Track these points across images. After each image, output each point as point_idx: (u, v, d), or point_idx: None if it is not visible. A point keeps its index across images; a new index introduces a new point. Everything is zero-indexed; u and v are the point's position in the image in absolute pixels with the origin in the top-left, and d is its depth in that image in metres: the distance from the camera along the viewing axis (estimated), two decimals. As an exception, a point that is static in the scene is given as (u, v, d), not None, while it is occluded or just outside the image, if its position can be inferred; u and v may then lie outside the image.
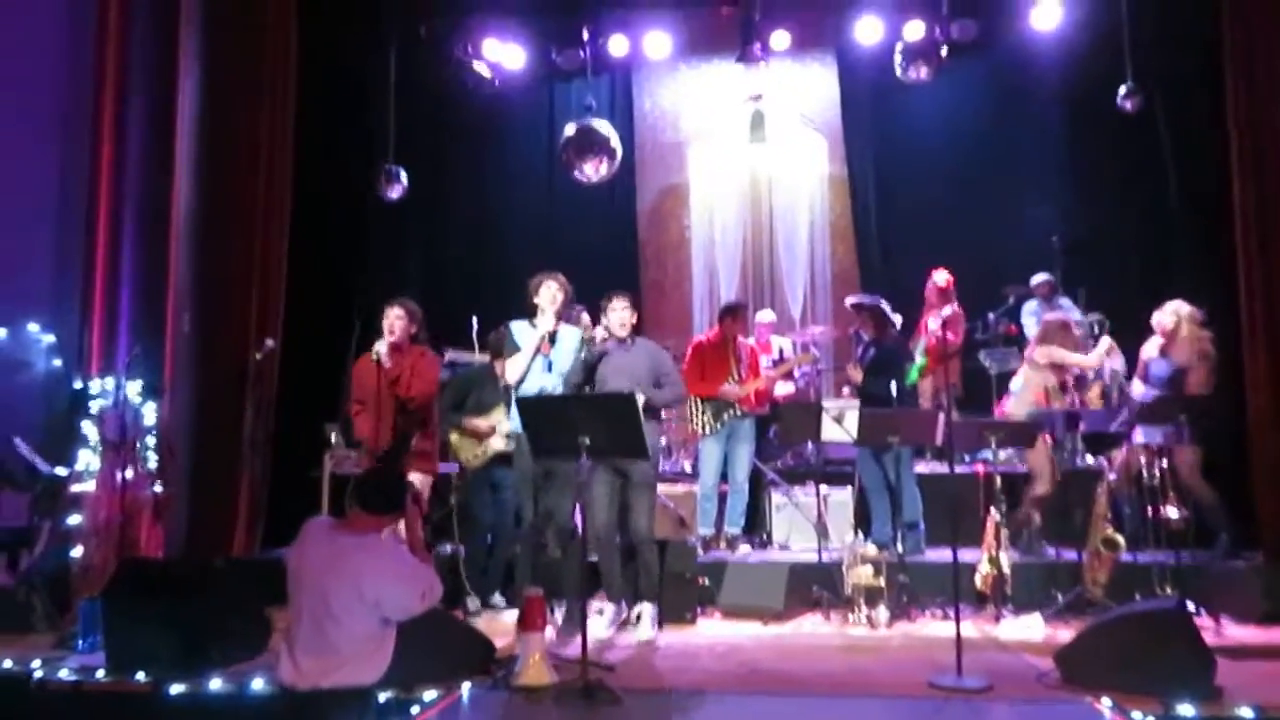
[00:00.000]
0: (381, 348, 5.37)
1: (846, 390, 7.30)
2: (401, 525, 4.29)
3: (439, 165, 9.05)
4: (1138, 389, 6.28)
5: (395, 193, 8.15)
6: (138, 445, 6.02)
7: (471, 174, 9.27)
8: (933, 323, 7.50)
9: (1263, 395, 6.17)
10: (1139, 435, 6.01)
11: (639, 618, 5.38)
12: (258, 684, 4.16)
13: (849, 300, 7.30)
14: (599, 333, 5.65)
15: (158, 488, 6.16)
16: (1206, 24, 6.80)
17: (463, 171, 9.24)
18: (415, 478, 5.30)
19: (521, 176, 9.37)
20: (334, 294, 7.95)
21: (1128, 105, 7.50)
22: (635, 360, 5.50)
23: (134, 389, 6.05)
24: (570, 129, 8.21)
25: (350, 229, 8.32)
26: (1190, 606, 4.96)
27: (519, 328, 5.59)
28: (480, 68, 8.38)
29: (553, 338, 5.50)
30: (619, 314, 5.52)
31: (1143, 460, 5.83)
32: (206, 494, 6.72)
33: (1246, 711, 3.75)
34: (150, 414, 6.15)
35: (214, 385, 6.84)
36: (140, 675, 4.37)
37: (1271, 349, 6.17)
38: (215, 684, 4.24)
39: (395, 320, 5.49)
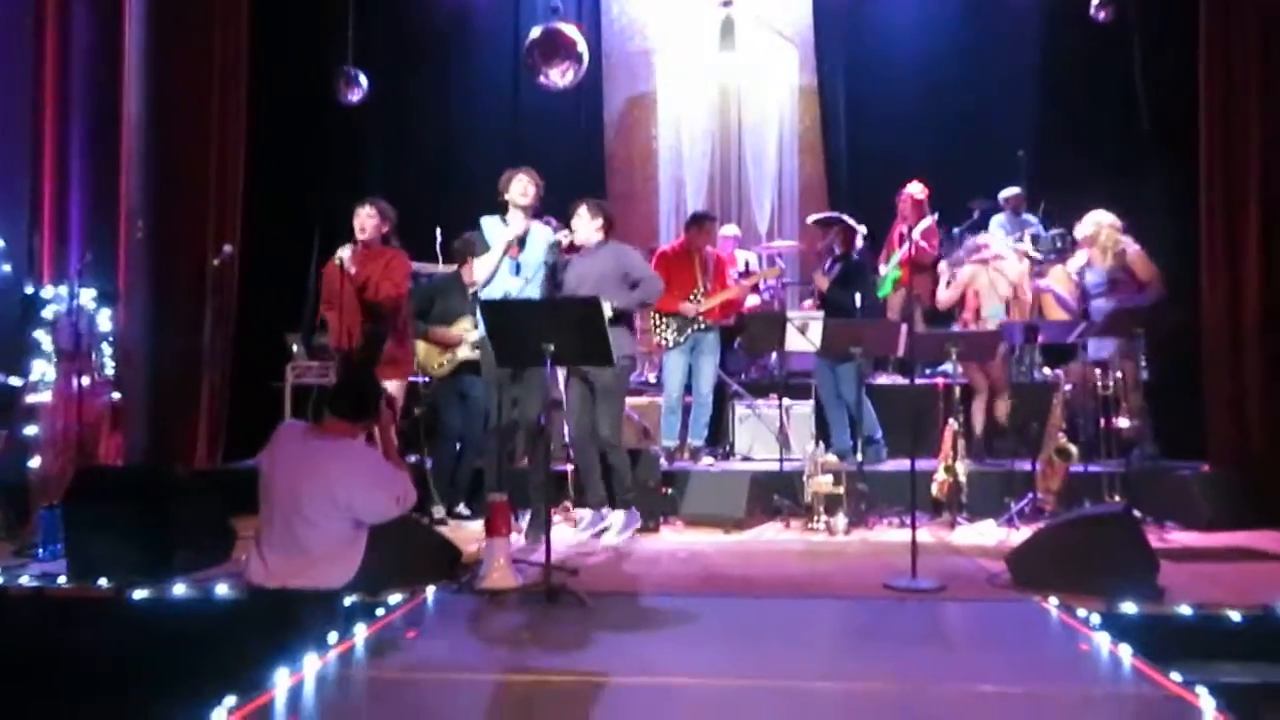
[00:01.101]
0: (345, 252, 5.29)
1: (808, 303, 7.33)
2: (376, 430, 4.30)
3: (400, 69, 8.82)
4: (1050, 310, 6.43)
5: (355, 96, 7.93)
6: (93, 353, 5.93)
7: (434, 78, 9.06)
8: (915, 233, 7.51)
9: (1218, 312, 6.27)
10: (1091, 348, 6.11)
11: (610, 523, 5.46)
12: (222, 588, 4.20)
13: (813, 218, 7.29)
14: (562, 236, 5.56)
15: (115, 396, 6.10)
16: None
17: (425, 75, 9.03)
18: (389, 384, 5.28)
19: (486, 82, 9.17)
20: (294, 200, 7.80)
21: (1100, 16, 7.42)
22: (601, 264, 5.42)
23: (87, 296, 5.94)
24: (536, 32, 8.01)
25: (310, 134, 8.11)
26: (1137, 513, 5.11)
27: (490, 223, 5.44)
28: (441, -32, 8.12)
29: (522, 241, 5.40)
30: (580, 224, 5.46)
31: (1097, 372, 5.94)
32: (166, 403, 6.67)
33: (1185, 609, 3.90)
34: (105, 321, 6.06)
35: (171, 292, 6.74)
36: (102, 581, 4.39)
37: (1229, 267, 6.26)
38: (179, 589, 4.27)
39: (367, 219, 5.40)
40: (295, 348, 7.03)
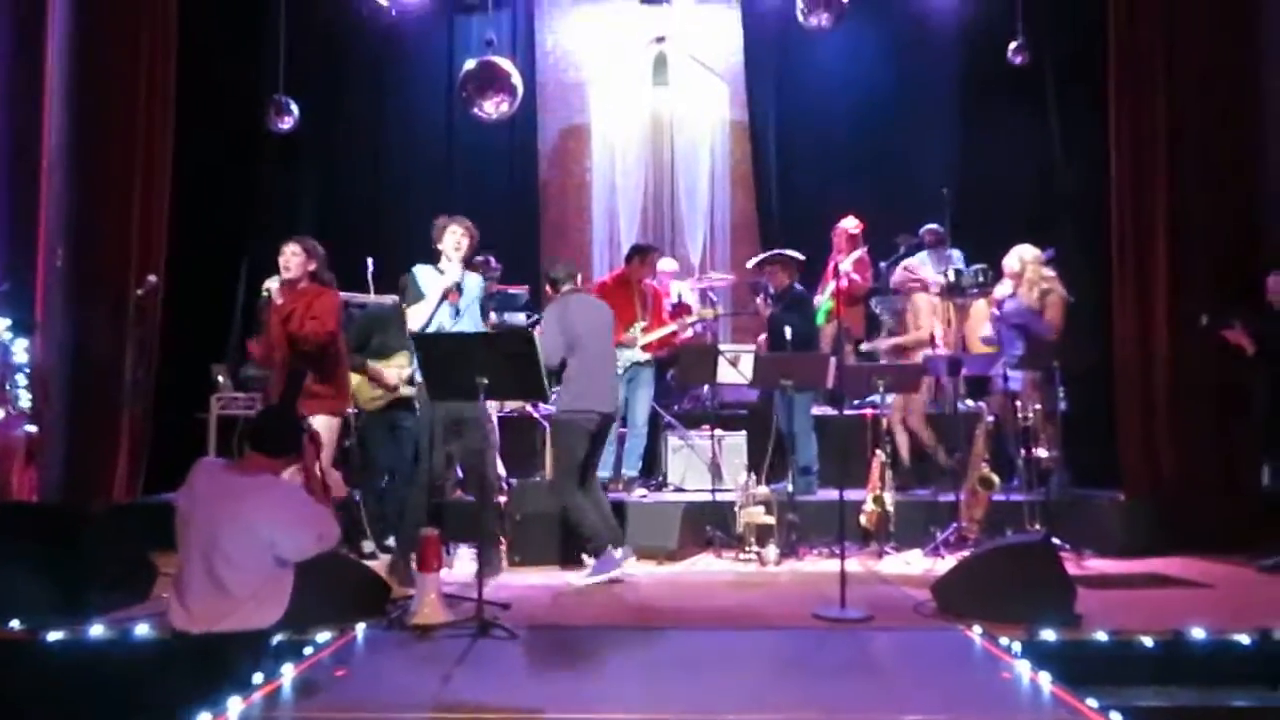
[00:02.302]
0: (273, 284, 5.21)
1: (762, 338, 7.35)
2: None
3: (333, 98, 8.78)
4: (984, 332, 6.63)
5: (286, 124, 7.86)
6: (7, 385, 5.75)
7: (367, 108, 9.03)
8: (845, 265, 7.67)
9: (1129, 343, 6.55)
10: (1010, 380, 6.31)
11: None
12: (142, 629, 4.09)
13: (751, 262, 7.39)
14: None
15: (30, 429, 5.92)
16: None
17: (358, 105, 8.99)
18: (317, 419, 5.20)
19: (419, 112, 9.17)
20: (222, 230, 7.69)
21: (1017, 60, 7.72)
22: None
23: (2, 326, 5.76)
24: (470, 64, 8.03)
25: (239, 162, 8.03)
26: (1056, 541, 5.28)
27: (422, 272, 5.41)
28: (376, -2, 8.12)
29: (460, 287, 5.37)
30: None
31: (1017, 404, 6.14)
32: (85, 436, 6.48)
33: (1101, 636, 4.04)
34: (21, 352, 5.88)
35: (92, 322, 6.57)
36: (14, 623, 4.24)
37: (1138, 297, 6.54)
38: (97, 630, 4.15)
39: (291, 257, 5.28)
40: (221, 379, 6.89)
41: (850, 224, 7.96)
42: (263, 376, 5.50)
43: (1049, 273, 6.41)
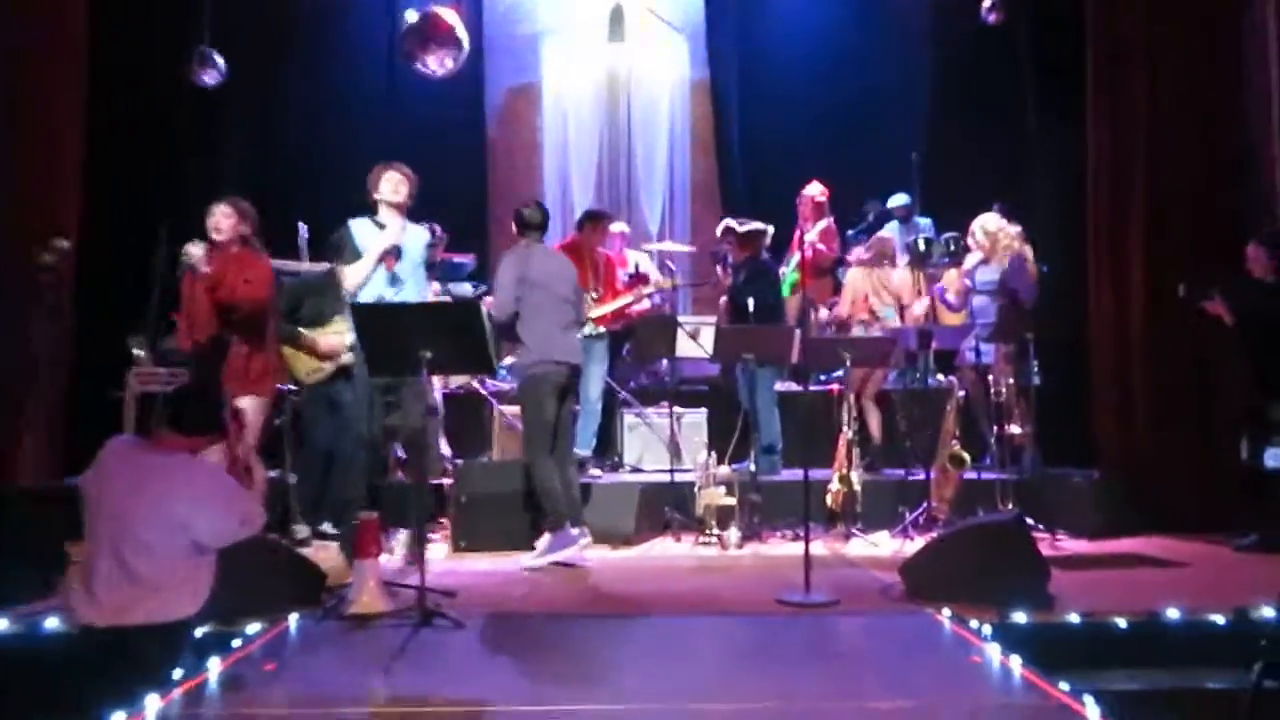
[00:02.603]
0: (194, 249, 5.06)
1: (723, 302, 7.31)
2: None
3: (262, 50, 8.53)
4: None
5: (211, 79, 7.64)
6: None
7: (300, 62, 8.80)
8: (810, 234, 7.66)
9: (1104, 317, 6.62)
10: (982, 353, 6.35)
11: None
12: (52, 622, 3.98)
13: (722, 227, 7.35)
14: None
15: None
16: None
17: (290, 58, 8.76)
18: (245, 400, 5.09)
19: (357, 67, 8.97)
20: (140, 190, 7.46)
21: (990, 19, 7.73)
22: None
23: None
24: (412, 15, 7.87)
25: (159, 120, 7.78)
26: (1029, 521, 5.32)
27: (359, 226, 5.26)
28: (309, -60, 7.90)
29: (398, 252, 5.25)
30: None
31: (989, 378, 6.18)
32: (-7, 411, 6.30)
33: (1074, 618, 4.08)
34: (-81, 324, 5.68)
35: (-1, 291, 6.36)
36: (-86, 616, 4.11)
37: (1115, 272, 6.61)
38: (1, 624, 4.02)
39: (223, 218, 5.13)
40: (139, 353, 6.71)
41: (815, 190, 7.96)
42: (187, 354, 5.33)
43: (1016, 234, 6.47)
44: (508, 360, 7.23)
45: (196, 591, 3.49)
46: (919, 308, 6.95)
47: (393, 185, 5.22)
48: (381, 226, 5.23)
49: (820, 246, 7.66)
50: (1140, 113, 6.58)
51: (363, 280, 5.17)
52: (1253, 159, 6.37)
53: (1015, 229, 6.53)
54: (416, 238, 5.35)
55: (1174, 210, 6.45)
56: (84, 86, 6.80)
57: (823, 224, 7.85)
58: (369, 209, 5.33)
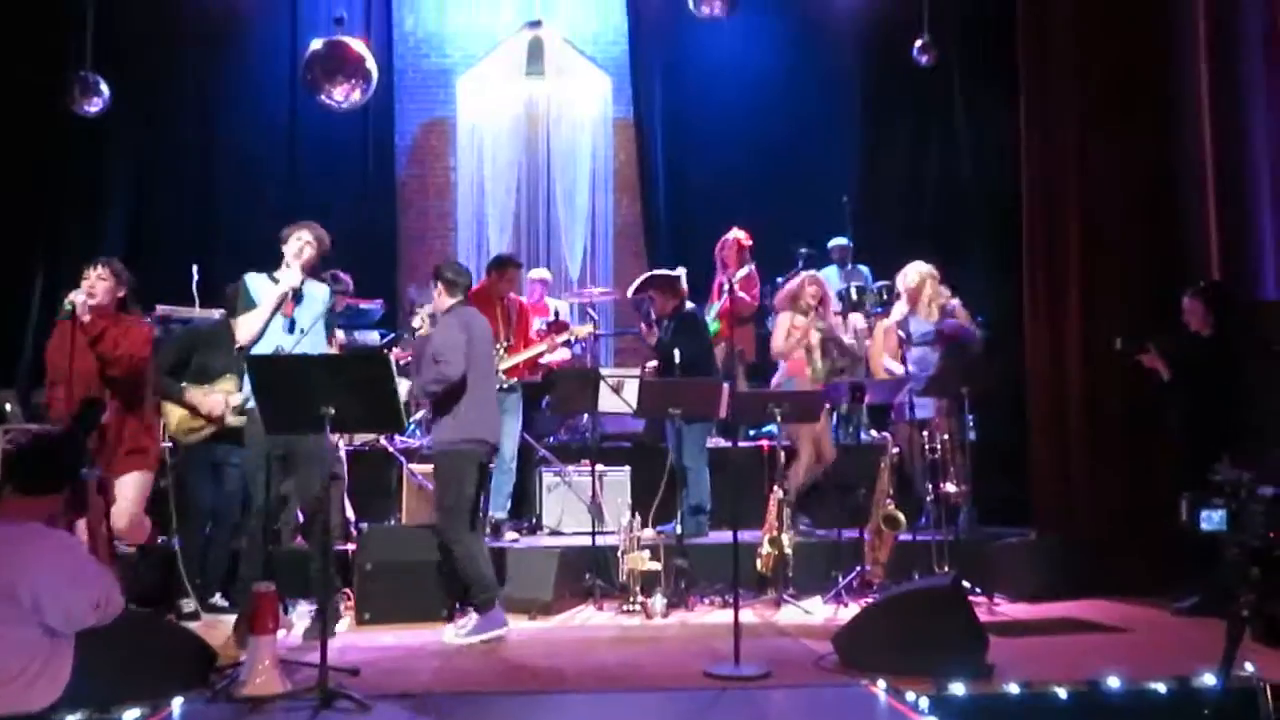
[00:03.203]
0: (77, 297, 4.97)
1: (650, 366, 7.36)
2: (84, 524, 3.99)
3: (152, 78, 8.48)
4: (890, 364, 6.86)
5: (94, 107, 7.53)
6: None
7: (194, 91, 8.75)
8: (728, 283, 7.76)
9: (1041, 371, 6.84)
10: (917, 408, 6.51)
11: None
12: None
13: (630, 290, 7.43)
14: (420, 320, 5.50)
15: None
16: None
17: (182, 87, 8.70)
18: (128, 478, 4.98)
19: (257, 98, 8.94)
20: (13, 233, 7.30)
21: (923, 60, 8.02)
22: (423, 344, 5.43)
23: None
24: (317, 44, 7.88)
25: (35, 149, 7.65)
26: (966, 584, 5.45)
27: (255, 280, 5.25)
28: (205, -39, 7.88)
29: (298, 295, 5.23)
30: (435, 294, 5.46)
31: (924, 434, 6.34)
32: None
33: (1013, 688, 4.18)
34: None
35: None
36: None
37: (1051, 322, 6.84)
38: None
39: (98, 281, 5.06)
40: (9, 407, 6.52)
41: (740, 235, 8.08)
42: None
43: (945, 289, 6.69)
44: (417, 415, 7.20)
45: (54, 679, 3.32)
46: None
47: (300, 245, 5.22)
48: (277, 282, 5.21)
49: (741, 294, 7.73)
50: (1072, 157, 6.85)
51: (258, 331, 5.11)
52: (1185, 189, 6.64)
53: (943, 287, 6.75)
54: (317, 294, 5.32)
55: (1111, 254, 6.69)
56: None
57: (743, 271, 7.95)
58: (273, 257, 5.29)
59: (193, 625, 5.24)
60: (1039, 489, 6.80)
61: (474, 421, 5.36)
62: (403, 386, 5.32)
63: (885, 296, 7.86)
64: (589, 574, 6.14)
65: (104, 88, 7.54)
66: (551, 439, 7.71)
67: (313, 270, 5.37)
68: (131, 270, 5.41)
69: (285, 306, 5.16)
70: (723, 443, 7.27)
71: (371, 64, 7.88)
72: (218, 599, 5.79)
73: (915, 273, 6.78)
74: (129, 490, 5.08)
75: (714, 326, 7.97)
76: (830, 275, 8.31)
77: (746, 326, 8.01)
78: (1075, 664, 4.53)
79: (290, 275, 5.18)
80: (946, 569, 5.99)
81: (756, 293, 8.11)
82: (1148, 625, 5.52)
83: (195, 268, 6.68)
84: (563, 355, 7.72)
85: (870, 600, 5.43)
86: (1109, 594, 6.07)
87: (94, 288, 5.04)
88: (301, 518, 5.88)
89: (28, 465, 3.49)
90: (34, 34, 7.58)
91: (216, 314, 6.09)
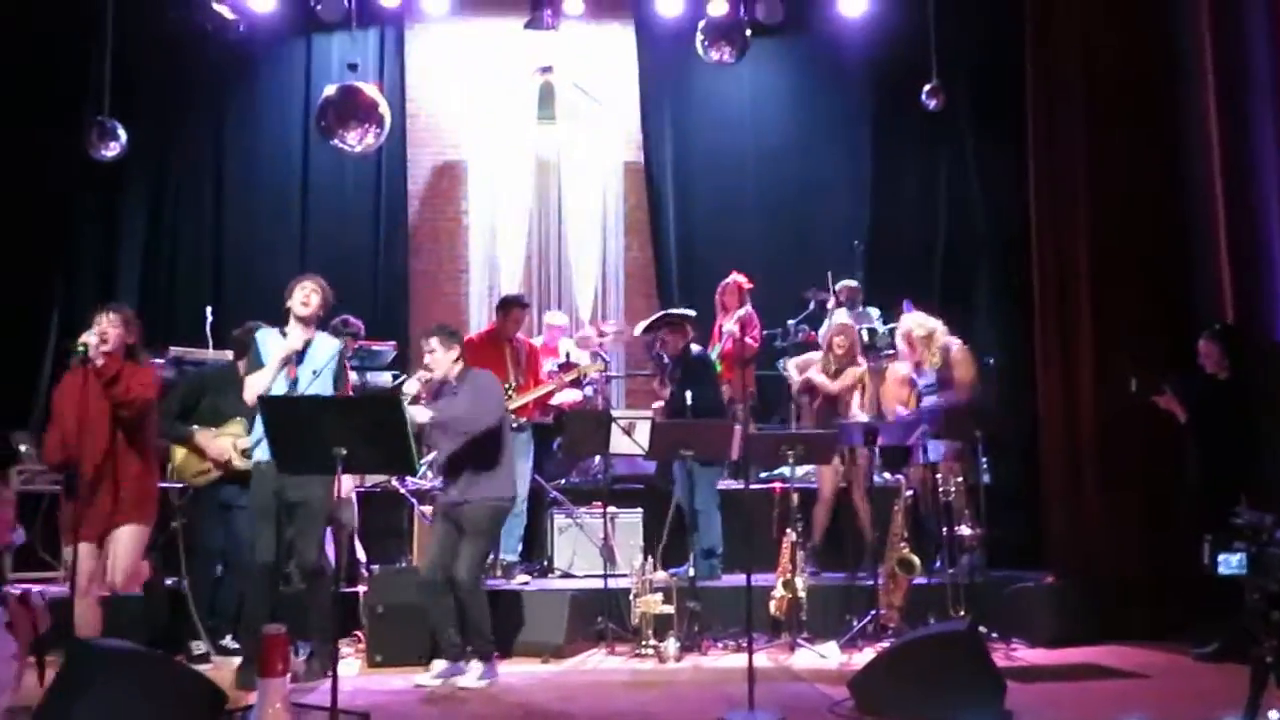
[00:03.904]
0: (90, 339, 4.98)
1: (656, 405, 7.33)
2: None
3: (168, 123, 8.58)
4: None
5: (111, 152, 7.60)
6: None
7: (209, 136, 8.84)
8: (728, 325, 7.77)
9: (1054, 413, 6.79)
10: (930, 450, 6.47)
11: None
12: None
13: (639, 329, 7.44)
14: (416, 382, 5.46)
15: None
16: (1009, 22, 7.41)
17: (198, 133, 8.79)
18: (123, 530, 4.95)
19: (271, 142, 9.03)
20: (31, 275, 7.35)
21: (931, 104, 8.06)
22: (457, 402, 5.39)
23: None
24: (331, 90, 7.97)
25: (53, 195, 7.71)
26: (982, 629, 5.38)
27: (265, 337, 5.28)
28: (221, 9, 7.98)
29: (301, 356, 5.24)
30: (438, 359, 5.41)
31: (937, 476, 6.28)
32: None
33: (1033, 735, 4.12)
34: None
35: None
36: None
37: (1064, 364, 6.80)
38: None
39: (110, 328, 5.07)
40: (24, 448, 6.55)
41: (740, 279, 8.07)
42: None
43: (941, 328, 6.65)
44: (428, 457, 7.17)
45: None
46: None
47: (303, 295, 5.26)
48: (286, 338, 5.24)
49: (748, 340, 7.68)
50: (1082, 198, 6.84)
51: (264, 390, 5.13)
52: (1196, 228, 6.62)
53: (936, 324, 6.71)
54: (325, 347, 5.34)
55: (1121, 293, 6.64)
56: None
57: (742, 312, 7.91)
58: (280, 304, 5.31)
59: (203, 667, 5.20)
60: (1054, 532, 6.73)
61: (509, 479, 5.53)
62: (424, 414, 5.30)
63: (895, 338, 7.85)
64: (601, 617, 6.09)
65: (121, 133, 7.61)
66: (563, 480, 7.67)
67: (321, 320, 5.39)
68: (146, 312, 5.46)
69: (289, 369, 5.19)
70: (734, 485, 7.23)
71: (385, 109, 7.96)
72: (228, 641, 5.76)
73: (918, 324, 6.72)
74: (125, 545, 4.97)
75: (716, 368, 7.95)
76: (839, 318, 8.29)
77: (749, 368, 7.98)
78: (1095, 711, 4.48)
79: (291, 339, 5.20)
80: (962, 613, 5.92)
81: (757, 334, 8.08)
82: (1169, 671, 5.43)
83: (209, 310, 6.71)
84: (574, 396, 7.70)
85: (886, 644, 5.36)
86: (1128, 639, 5.99)
87: (106, 333, 5.04)
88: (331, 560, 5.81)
89: None
90: (53, 80, 7.67)
91: (228, 356, 6.11)
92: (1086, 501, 6.61)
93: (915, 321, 6.78)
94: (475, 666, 5.26)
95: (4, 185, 7.07)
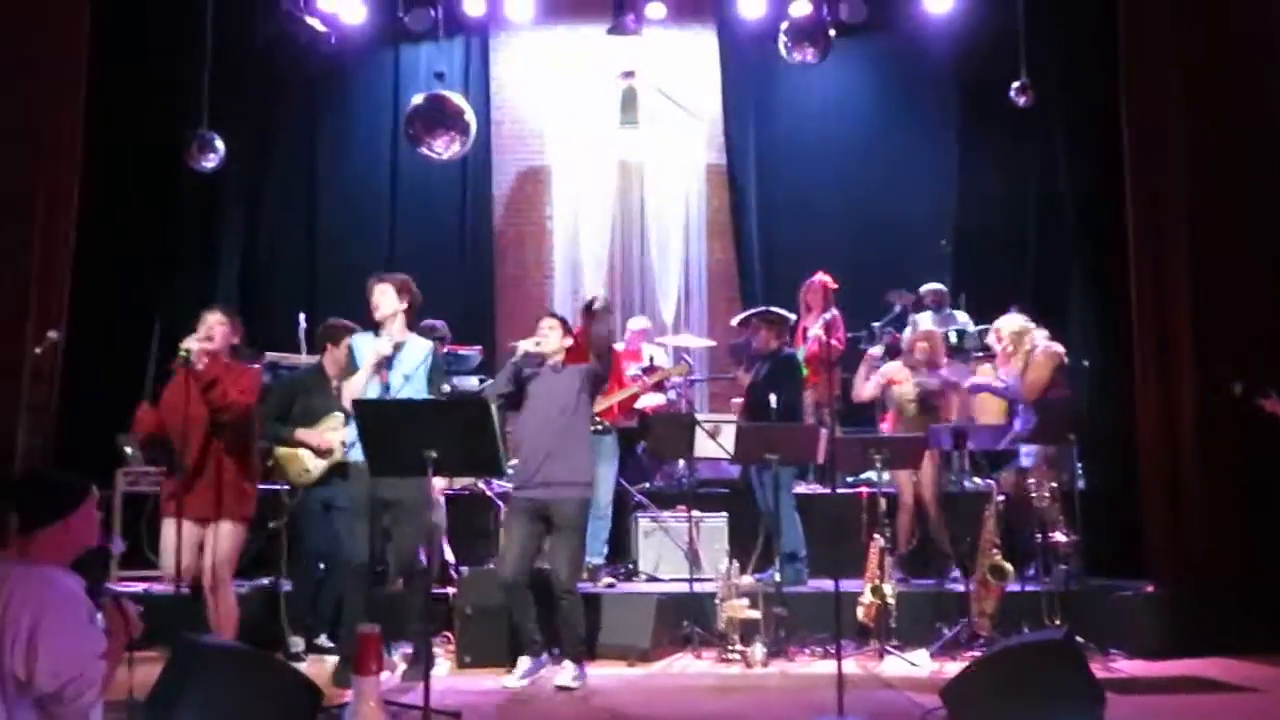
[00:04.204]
0: (192, 345, 5.13)
1: (736, 402, 7.30)
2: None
3: (263, 134, 8.80)
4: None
5: (210, 163, 7.80)
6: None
7: (302, 146, 9.06)
8: (814, 328, 7.69)
9: (1152, 416, 6.57)
10: (1023, 455, 6.33)
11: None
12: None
13: (737, 319, 7.41)
14: (526, 345, 5.52)
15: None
16: (1101, 15, 7.21)
17: (291, 143, 9.02)
18: (223, 527, 5.09)
19: (361, 151, 9.22)
20: (134, 281, 7.58)
21: (1020, 101, 7.89)
22: (565, 385, 5.46)
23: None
24: (418, 99, 8.10)
25: (155, 205, 7.96)
26: (1079, 639, 5.24)
27: (361, 342, 5.39)
28: (314, 23, 8.16)
29: (390, 361, 5.32)
30: (552, 339, 5.50)
31: (1030, 481, 6.14)
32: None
33: (1135, 749, 4.00)
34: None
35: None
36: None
37: (1162, 367, 6.58)
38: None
39: (216, 326, 5.22)
40: (129, 450, 6.76)
41: (825, 278, 7.98)
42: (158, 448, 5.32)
43: (1038, 334, 6.46)
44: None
45: None
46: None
47: (374, 299, 5.37)
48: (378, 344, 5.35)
49: (833, 342, 7.59)
50: (1181, 199, 6.63)
51: (359, 393, 5.22)
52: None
53: (1038, 331, 6.52)
54: (417, 349, 5.42)
55: (1223, 298, 6.45)
56: (79, 173, 6.93)
57: (828, 315, 7.77)
58: (369, 318, 5.42)
59: (299, 665, 5.31)
60: (1153, 538, 6.52)
61: (591, 468, 5.56)
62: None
63: (986, 341, 7.70)
64: (686, 621, 6.08)
65: (219, 144, 7.81)
66: (648, 484, 7.68)
67: (411, 320, 5.46)
68: (243, 319, 5.57)
69: (380, 375, 5.28)
70: (819, 489, 7.17)
71: (470, 117, 8.06)
72: (322, 640, 5.87)
73: (1016, 325, 6.55)
74: (224, 542, 5.11)
75: (802, 372, 7.88)
76: (924, 322, 8.18)
77: (834, 371, 7.90)
78: (1199, 724, 4.32)
79: (380, 343, 5.29)
80: (1058, 622, 5.78)
81: (842, 336, 8.00)
82: (1276, 685, 5.23)
83: (302, 316, 6.85)
84: (658, 400, 7.71)
85: (978, 653, 5.26)
86: (1233, 651, 5.78)
87: (211, 332, 5.19)
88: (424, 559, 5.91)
89: (28, 493, 3.15)
90: (155, 96, 7.91)
91: (314, 360, 6.26)
92: (1188, 507, 6.39)
93: (1006, 320, 6.62)
94: (569, 666, 5.28)
95: (109, 197, 7.29)
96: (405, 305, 5.41)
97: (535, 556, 5.40)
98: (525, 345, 5.49)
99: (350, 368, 5.37)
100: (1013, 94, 7.90)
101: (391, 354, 5.31)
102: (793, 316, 7.20)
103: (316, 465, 5.86)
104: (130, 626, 3.03)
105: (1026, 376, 6.28)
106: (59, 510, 3.06)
